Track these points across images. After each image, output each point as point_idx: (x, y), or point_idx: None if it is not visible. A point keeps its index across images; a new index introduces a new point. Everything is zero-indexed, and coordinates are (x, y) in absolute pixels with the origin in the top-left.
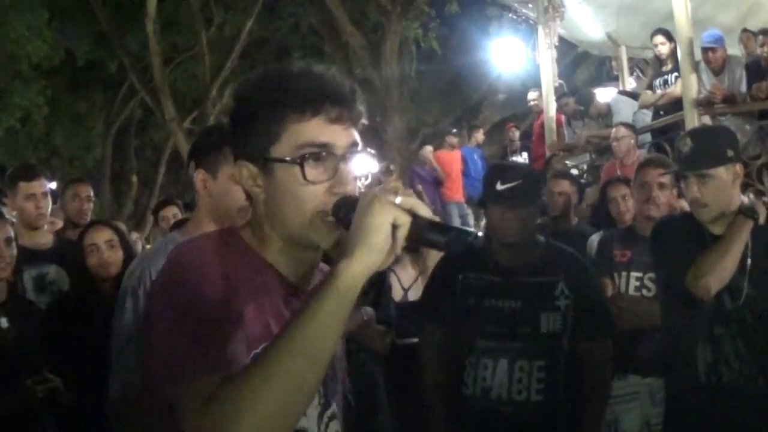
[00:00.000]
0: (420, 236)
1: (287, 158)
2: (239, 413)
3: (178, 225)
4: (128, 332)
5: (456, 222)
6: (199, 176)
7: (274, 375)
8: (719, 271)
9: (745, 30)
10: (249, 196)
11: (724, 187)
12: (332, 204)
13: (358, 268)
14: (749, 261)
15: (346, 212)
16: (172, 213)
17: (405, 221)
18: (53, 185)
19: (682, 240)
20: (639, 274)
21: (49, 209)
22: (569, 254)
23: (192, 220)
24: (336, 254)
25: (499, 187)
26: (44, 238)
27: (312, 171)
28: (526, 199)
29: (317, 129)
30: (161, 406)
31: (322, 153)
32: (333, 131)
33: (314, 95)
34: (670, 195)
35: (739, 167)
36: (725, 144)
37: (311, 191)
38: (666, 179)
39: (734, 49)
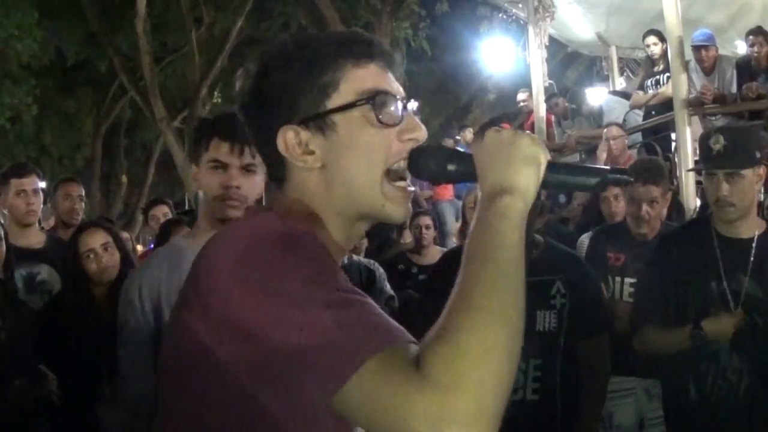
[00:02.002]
0: (559, 178)
1: (356, 101)
2: (480, 370)
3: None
4: (137, 341)
5: (452, 220)
6: (193, 171)
7: (488, 319)
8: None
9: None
10: (275, 178)
11: (750, 187)
12: (406, 152)
13: (522, 205)
14: (753, 259)
15: (438, 161)
16: (162, 212)
17: (545, 159)
18: (43, 185)
19: (689, 253)
20: (633, 280)
21: (41, 207)
22: (568, 254)
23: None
24: (483, 199)
25: None
26: (35, 238)
27: (382, 113)
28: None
29: (375, 75)
30: (303, 410)
31: (386, 95)
32: (388, 79)
33: (363, 42)
34: (661, 207)
35: (762, 170)
36: (755, 145)
37: (383, 138)
38: (657, 193)
39: (724, 50)
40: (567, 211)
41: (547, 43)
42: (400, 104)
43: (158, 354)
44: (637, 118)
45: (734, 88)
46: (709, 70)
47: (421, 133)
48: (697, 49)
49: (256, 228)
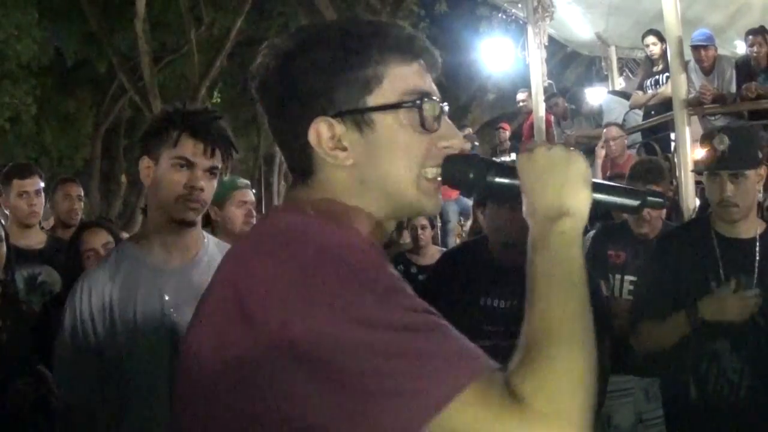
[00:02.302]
0: (602, 198)
1: (402, 103)
2: (577, 399)
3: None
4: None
5: (455, 219)
6: (143, 164)
7: (574, 346)
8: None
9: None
10: (298, 170)
11: (753, 188)
12: (440, 160)
13: (581, 226)
14: (758, 258)
15: (478, 172)
16: None
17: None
18: (42, 185)
19: (689, 253)
20: (633, 278)
21: (42, 208)
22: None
23: (146, 220)
24: (536, 215)
25: None
26: (36, 239)
27: (424, 118)
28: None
29: (418, 75)
30: None
31: (429, 100)
32: (429, 80)
33: (409, 36)
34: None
35: (763, 170)
36: (758, 145)
37: (421, 143)
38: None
39: (723, 50)
40: None
41: (547, 43)
42: (438, 109)
43: (176, 378)
44: (637, 118)
45: (733, 88)
46: (708, 70)
47: (458, 142)
48: (696, 49)
49: (312, 237)
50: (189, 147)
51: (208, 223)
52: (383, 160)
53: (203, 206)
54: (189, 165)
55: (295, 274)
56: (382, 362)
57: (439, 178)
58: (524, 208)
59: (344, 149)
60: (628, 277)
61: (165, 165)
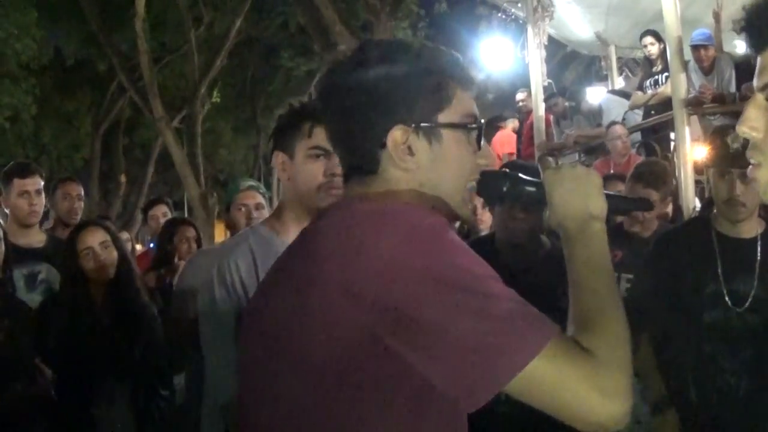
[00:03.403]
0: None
1: (465, 124)
2: (625, 349)
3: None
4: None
5: None
6: (278, 159)
7: (618, 320)
8: None
9: None
10: (360, 168)
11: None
12: (477, 175)
13: (604, 226)
14: (759, 258)
15: (514, 185)
16: (162, 212)
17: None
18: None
19: (687, 253)
20: (630, 276)
21: (42, 207)
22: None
23: (277, 210)
24: (570, 221)
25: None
26: (36, 237)
27: (474, 140)
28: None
29: (472, 101)
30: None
31: (476, 124)
32: (475, 106)
33: (466, 67)
34: (657, 211)
35: None
36: None
37: (470, 159)
38: (655, 197)
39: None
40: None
41: (546, 43)
42: (479, 132)
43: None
44: (636, 117)
45: (733, 88)
46: (707, 69)
47: (492, 160)
48: (696, 48)
49: (406, 217)
50: (323, 136)
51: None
52: (442, 170)
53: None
54: (326, 154)
55: (394, 249)
56: (479, 323)
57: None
58: (549, 214)
59: (412, 155)
60: (625, 275)
61: (301, 157)
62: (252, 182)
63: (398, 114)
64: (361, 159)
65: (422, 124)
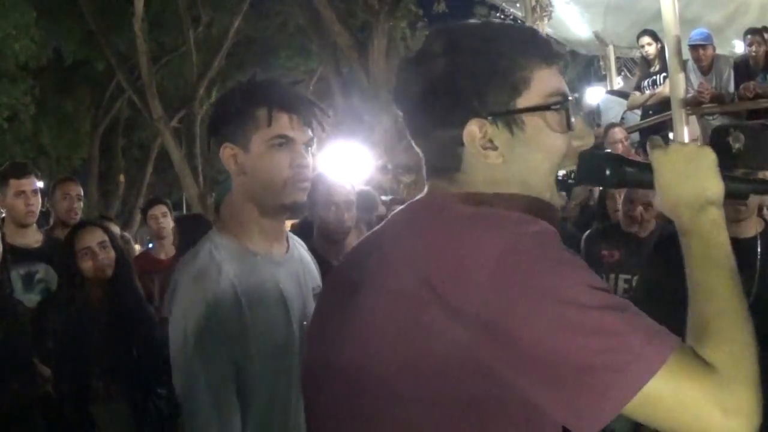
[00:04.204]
0: (732, 186)
1: (551, 105)
2: (756, 368)
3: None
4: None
5: None
6: (227, 152)
7: (743, 326)
8: None
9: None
10: (441, 168)
11: None
12: (575, 159)
13: (722, 211)
14: (759, 258)
15: (615, 167)
16: (161, 212)
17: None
18: (41, 184)
19: None
20: (628, 276)
21: (39, 208)
22: None
23: (233, 212)
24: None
25: None
26: (34, 237)
27: (566, 119)
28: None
29: (557, 77)
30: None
31: (570, 101)
32: (562, 81)
33: (546, 41)
34: (656, 211)
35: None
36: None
37: (563, 143)
38: (653, 194)
39: (721, 49)
40: (565, 210)
41: None
42: (571, 111)
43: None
44: (635, 117)
45: (731, 88)
46: (706, 69)
47: (591, 141)
48: (694, 48)
49: (508, 225)
50: (285, 123)
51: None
52: (532, 160)
53: (309, 184)
54: (290, 142)
55: (497, 260)
56: (590, 339)
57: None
58: (660, 201)
59: (495, 148)
60: (623, 276)
61: (262, 149)
62: None
63: (471, 107)
64: (443, 157)
65: (499, 114)
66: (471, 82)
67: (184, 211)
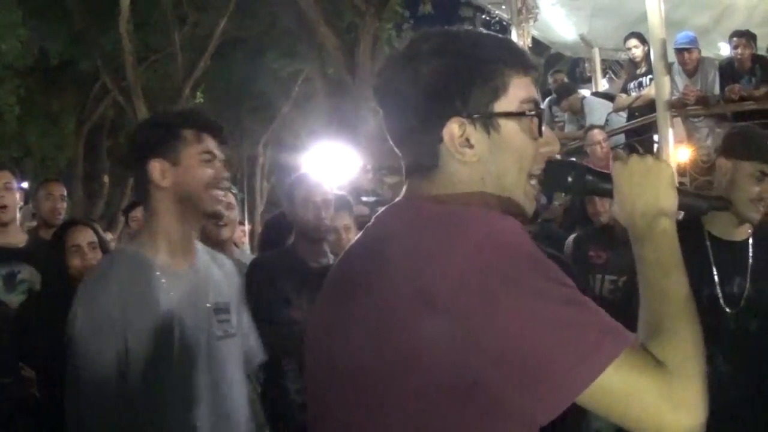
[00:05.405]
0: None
1: (523, 112)
2: (702, 365)
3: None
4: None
5: None
6: (156, 167)
7: (691, 326)
8: None
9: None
10: (419, 165)
11: None
12: (542, 165)
13: (674, 223)
14: (751, 260)
15: (577, 176)
16: (143, 214)
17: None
18: (25, 185)
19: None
20: (614, 277)
21: (16, 205)
22: (551, 256)
23: (147, 225)
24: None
25: None
26: (16, 237)
27: (536, 127)
28: None
29: (531, 86)
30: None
31: (541, 110)
32: (535, 91)
33: (523, 52)
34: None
35: None
36: None
37: (532, 148)
38: (611, 203)
39: (707, 52)
40: (549, 212)
41: (530, 45)
42: (541, 118)
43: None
44: (620, 119)
45: (717, 90)
46: (691, 72)
47: (557, 147)
48: (680, 51)
49: (477, 222)
50: (210, 142)
51: None
52: (503, 161)
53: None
54: (213, 158)
55: (467, 256)
56: (548, 331)
57: (533, 182)
58: (617, 209)
59: (471, 147)
60: (609, 277)
61: (191, 163)
62: None
63: (453, 106)
64: (420, 155)
65: (478, 115)
66: (455, 83)
67: None
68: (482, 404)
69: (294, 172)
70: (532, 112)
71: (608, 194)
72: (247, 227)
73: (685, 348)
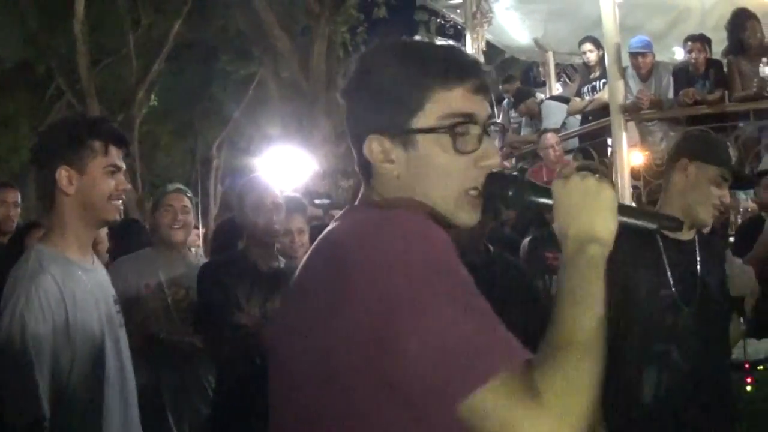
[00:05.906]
0: (625, 221)
1: (437, 128)
2: (584, 403)
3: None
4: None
5: None
6: (63, 173)
7: (582, 362)
8: None
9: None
10: (364, 174)
11: None
12: (481, 178)
13: (606, 251)
14: (699, 259)
15: (518, 191)
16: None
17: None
18: None
19: (637, 257)
20: None
21: None
22: (508, 262)
23: (55, 225)
24: (574, 239)
25: None
26: None
27: (460, 141)
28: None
29: (462, 99)
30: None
31: (468, 123)
32: (475, 101)
33: (456, 64)
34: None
35: None
36: None
37: (459, 163)
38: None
39: (661, 56)
40: (502, 215)
41: (485, 49)
42: (478, 130)
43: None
44: (578, 122)
45: (671, 94)
46: (645, 76)
47: (497, 161)
48: (634, 56)
49: (402, 226)
50: (116, 154)
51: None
52: (424, 177)
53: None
54: (118, 170)
55: (387, 255)
56: (446, 335)
57: (473, 193)
58: (556, 226)
59: (392, 162)
60: None
61: (96, 173)
62: (180, 185)
63: (370, 123)
64: (359, 165)
65: (395, 132)
66: (375, 101)
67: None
68: (397, 404)
69: (248, 175)
70: (444, 129)
71: (549, 209)
72: (201, 231)
73: (565, 384)
